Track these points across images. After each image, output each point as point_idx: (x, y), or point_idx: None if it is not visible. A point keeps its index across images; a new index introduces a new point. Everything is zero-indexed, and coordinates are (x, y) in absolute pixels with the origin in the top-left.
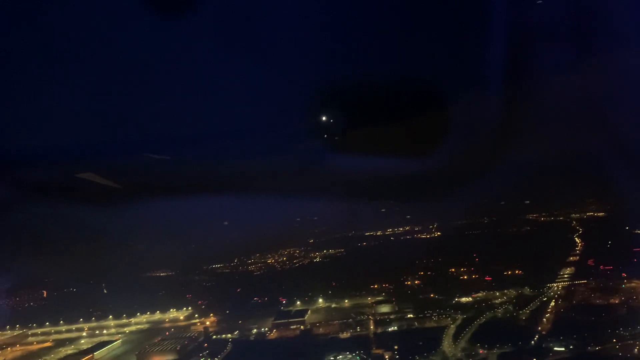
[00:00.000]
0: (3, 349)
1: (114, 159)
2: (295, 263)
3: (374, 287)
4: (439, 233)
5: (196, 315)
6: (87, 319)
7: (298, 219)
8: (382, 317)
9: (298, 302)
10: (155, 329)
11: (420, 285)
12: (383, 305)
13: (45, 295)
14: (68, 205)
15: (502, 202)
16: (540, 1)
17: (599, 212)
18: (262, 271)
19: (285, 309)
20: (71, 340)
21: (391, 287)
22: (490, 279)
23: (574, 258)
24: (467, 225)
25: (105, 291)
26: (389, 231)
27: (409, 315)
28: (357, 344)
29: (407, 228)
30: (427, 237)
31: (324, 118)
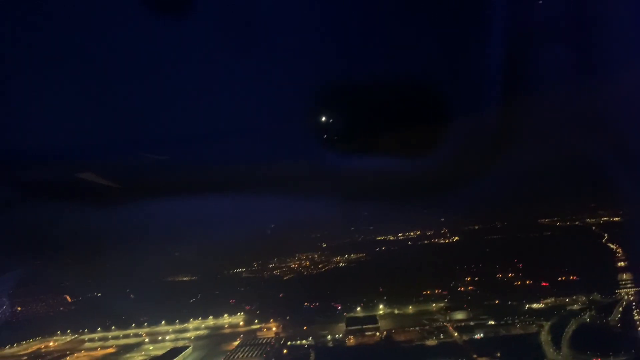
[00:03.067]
0: (68, 354)
1: (118, 159)
2: (321, 268)
3: (426, 293)
4: (456, 238)
5: (256, 321)
6: (139, 325)
7: (352, 229)
8: (459, 324)
9: (358, 308)
10: (217, 335)
11: (476, 292)
12: (457, 312)
13: (69, 300)
14: (75, 207)
15: (509, 207)
16: (541, 1)
17: (615, 217)
18: (290, 276)
19: (351, 315)
20: (133, 347)
21: (445, 292)
22: (547, 284)
23: (623, 263)
24: (483, 230)
25: (132, 296)
26: (401, 235)
27: (489, 322)
28: (450, 351)
29: (418, 232)
30: (446, 242)
31: (325, 119)
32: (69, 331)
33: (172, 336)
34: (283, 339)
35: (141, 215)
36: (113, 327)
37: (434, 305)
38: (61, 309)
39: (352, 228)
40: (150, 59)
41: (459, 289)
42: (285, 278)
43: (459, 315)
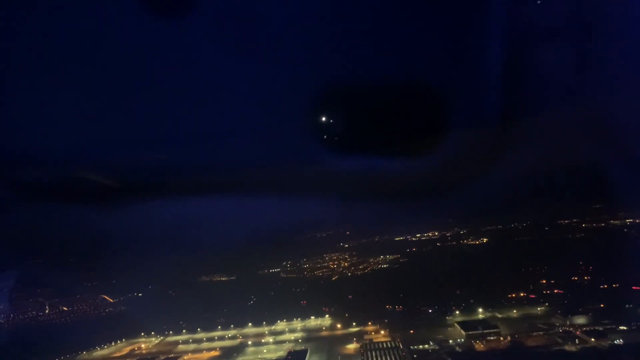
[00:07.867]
0: (172, 357)
1: (121, 159)
2: (362, 269)
3: (512, 297)
4: (485, 239)
5: (354, 324)
6: (225, 327)
7: (368, 229)
8: (585, 329)
9: (457, 312)
10: (318, 338)
11: (566, 295)
12: (577, 316)
13: (110, 300)
14: (82, 207)
15: (518, 208)
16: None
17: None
18: (337, 277)
19: (463, 320)
20: (237, 349)
21: (532, 296)
22: (638, 288)
23: None
24: (507, 231)
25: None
26: (419, 236)
27: (620, 327)
28: (600, 357)
29: (437, 233)
30: (477, 244)
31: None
32: (152, 332)
33: (270, 338)
34: (401, 343)
35: (153, 216)
36: (198, 329)
37: (538, 308)
38: (109, 309)
39: (368, 228)
40: (152, 60)
41: (544, 291)
42: (333, 279)
43: (580, 320)
